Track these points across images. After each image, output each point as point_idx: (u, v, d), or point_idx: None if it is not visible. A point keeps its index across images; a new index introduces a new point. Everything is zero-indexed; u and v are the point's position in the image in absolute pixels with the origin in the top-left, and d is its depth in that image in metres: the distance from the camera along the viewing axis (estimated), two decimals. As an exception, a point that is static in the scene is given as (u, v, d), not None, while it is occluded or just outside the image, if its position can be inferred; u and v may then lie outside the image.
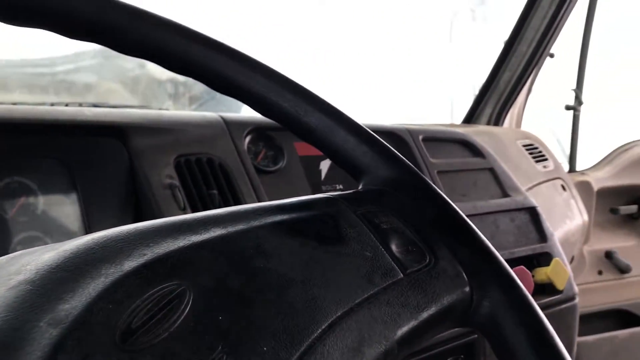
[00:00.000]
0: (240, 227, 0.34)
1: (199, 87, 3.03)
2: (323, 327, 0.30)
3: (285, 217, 0.37)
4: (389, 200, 0.42)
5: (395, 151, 0.45)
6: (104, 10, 0.35)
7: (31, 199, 0.65)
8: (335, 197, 0.41)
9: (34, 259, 0.28)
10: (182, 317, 0.27)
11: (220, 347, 0.27)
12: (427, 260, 0.38)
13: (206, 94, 2.12)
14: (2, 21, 0.34)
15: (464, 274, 0.38)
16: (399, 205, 0.41)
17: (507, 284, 0.38)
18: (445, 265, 0.38)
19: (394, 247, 0.38)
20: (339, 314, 0.32)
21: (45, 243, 0.65)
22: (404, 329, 0.34)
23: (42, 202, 0.65)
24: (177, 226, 0.32)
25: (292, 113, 0.42)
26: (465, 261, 0.39)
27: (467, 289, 0.38)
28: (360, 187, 0.45)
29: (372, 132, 0.44)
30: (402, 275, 0.36)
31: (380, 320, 0.33)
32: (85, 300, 0.25)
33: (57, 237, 0.65)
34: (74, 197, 0.67)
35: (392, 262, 0.37)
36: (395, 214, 0.41)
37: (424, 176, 0.44)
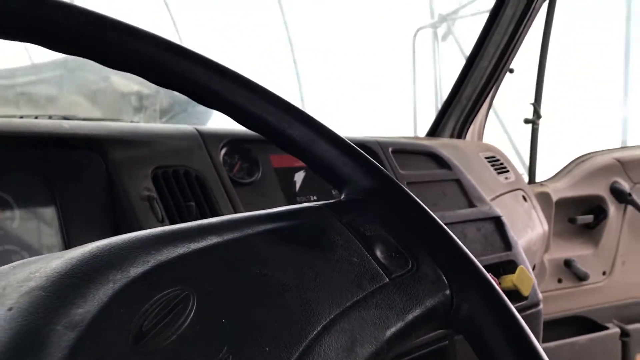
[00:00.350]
0: (235, 235, 0.36)
1: (165, 100, 3.01)
2: (318, 328, 0.32)
3: (276, 225, 0.38)
4: (372, 209, 0.44)
5: (375, 162, 0.47)
6: (89, 25, 0.36)
7: (7, 213, 0.64)
8: (320, 206, 0.43)
9: (42, 267, 0.28)
10: (188, 320, 0.28)
11: (225, 348, 0.28)
12: (410, 266, 0.40)
13: (177, 107, 2.12)
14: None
15: (444, 278, 0.40)
16: (381, 213, 0.43)
17: (484, 287, 0.41)
18: (427, 270, 0.40)
19: (378, 253, 0.40)
20: (332, 316, 0.33)
21: (22, 257, 0.64)
22: (392, 330, 0.36)
23: (19, 215, 0.65)
24: (176, 234, 0.33)
25: (276, 126, 0.44)
26: (444, 266, 0.41)
27: (448, 292, 0.40)
28: (342, 196, 0.46)
29: (352, 144, 0.46)
30: (387, 279, 0.38)
31: (370, 322, 0.35)
32: (97, 305, 0.26)
33: (35, 250, 0.65)
34: (52, 209, 0.67)
35: (378, 268, 0.39)
36: (378, 222, 0.43)
37: (403, 186, 0.46)
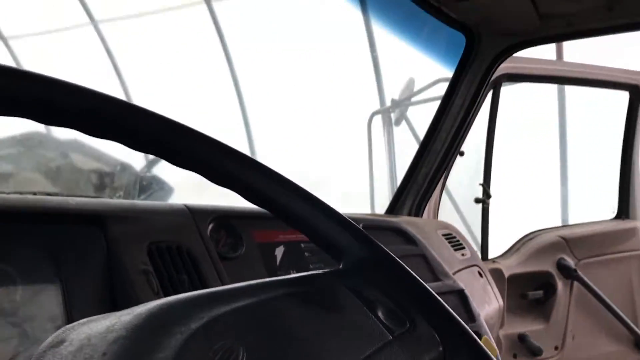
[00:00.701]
0: (262, 297, 0.42)
1: (124, 178, 3.02)
2: None
3: (293, 289, 0.45)
4: (370, 277, 0.50)
5: (368, 235, 0.54)
6: (127, 115, 0.42)
7: (11, 287, 0.67)
8: (326, 273, 0.50)
9: (116, 321, 0.33)
10: None
11: None
12: (408, 325, 0.47)
13: (155, 185, 2.16)
14: (36, 120, 0.40)
15: (437, 336, 0.47)
16: (378, 280, 0.50)
17: (471, 344, 0.48)
18: (422, 329, 0.47)
19: (380, 315, 0.47)
20: None
21: (25, 330, 0.66)
22: None
23: (22, 289, 0.67)
24: (219, 295, 0.39)
25: (282, 204, 0.50)
26: (436, 326, 0.48)
27: (441, 348, 0.47)
28: (341, 265, 0.53)
29: (349, 219, 0.53)
30: (391, 337, 0.45)
31: None
32: (173, 351, 0.31)
33: (38, 323, 0.67)
34: (56, 283, 0.70)
35: (382, 327, 0.45)
36: (376, 288, 0.50)
37: (394, 256, 0.53)
